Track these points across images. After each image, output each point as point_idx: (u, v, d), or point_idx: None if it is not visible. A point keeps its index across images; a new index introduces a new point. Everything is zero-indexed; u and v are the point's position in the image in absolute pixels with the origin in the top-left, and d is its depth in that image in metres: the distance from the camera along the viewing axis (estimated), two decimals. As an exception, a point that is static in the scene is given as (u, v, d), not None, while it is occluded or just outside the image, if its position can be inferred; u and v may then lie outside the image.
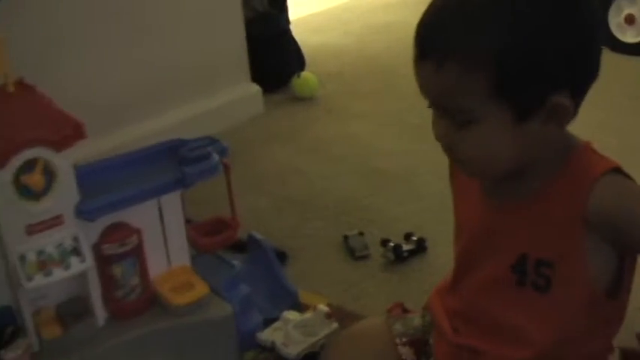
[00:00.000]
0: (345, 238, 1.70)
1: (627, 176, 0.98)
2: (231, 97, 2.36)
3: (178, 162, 1.32)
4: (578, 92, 0.94)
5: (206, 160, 1.31)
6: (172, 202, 1.30)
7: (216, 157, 1.32)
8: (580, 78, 0.94)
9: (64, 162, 1.17)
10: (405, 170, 2.03)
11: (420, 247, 1.65)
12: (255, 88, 2.46)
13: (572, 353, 1.04)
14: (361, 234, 1.71)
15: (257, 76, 2.46)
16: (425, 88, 0.94)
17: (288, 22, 2.73)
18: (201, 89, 2.28)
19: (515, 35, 0.88)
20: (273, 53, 2.57)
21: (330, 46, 3.13)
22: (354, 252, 1.66)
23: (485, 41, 0.88)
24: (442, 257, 1.56)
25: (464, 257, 1.13)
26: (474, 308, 1.09)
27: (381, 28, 3.34)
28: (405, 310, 1.25)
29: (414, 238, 1.66)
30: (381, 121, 2.38)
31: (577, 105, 0.95)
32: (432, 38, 0.91)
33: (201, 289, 1.32)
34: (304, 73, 2.59)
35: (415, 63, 0.93)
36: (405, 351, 1.17)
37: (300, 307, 1.43)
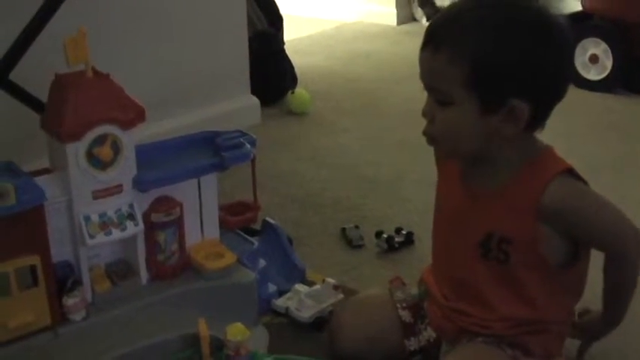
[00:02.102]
0: (343, 230, 1.85)
1: (579, 177, 1.17)
2: (233, 107, 2.50)
3: (214, 149, 1.47)
4: (540, 105, 1.13)
5: (240, 148, 1.47)
6: (210, 182, 1.46)
7: (248, 146, 1.48)
8: (542, 93, 1.12)
9: (128, 139, 1.33)
10: (390, 178, 2.19)
11: (409, 239, 1.80)
12: (255, 100, 2.60)
13: (535, 319, 1.21)
14: (357, 227, 1.85)
15: (255, 89, 2.59)
16: (422, 70, 1.14)
17: (283, 42, 2.86)
18: (206, 98, 2.42)
19: (493, 46, 1.09)
20: (270, 69, 2.70)
21: (317, 67, 3.29)
22: (351, 242, 1.80)
23: (469, 42, 1.09)
24: (427, 249, 1.60)
25: (440, 233, 1.30)
26: (451, 277, 1.27)
27: (361, 54, 3.53)
28: (403, 283, 1.41)
29: (404, 232, 1.81)
30: (365, 136, 2.54)
31: (540, 116, 1.14)
32: (435, 31, 1.13)
33: (229, 258, 1.45)
34: (298, 90, 2.72)
35: (420, 50, 1.14)
36: (405, 314, 1.34)
37: (308, 283, 1.57)
